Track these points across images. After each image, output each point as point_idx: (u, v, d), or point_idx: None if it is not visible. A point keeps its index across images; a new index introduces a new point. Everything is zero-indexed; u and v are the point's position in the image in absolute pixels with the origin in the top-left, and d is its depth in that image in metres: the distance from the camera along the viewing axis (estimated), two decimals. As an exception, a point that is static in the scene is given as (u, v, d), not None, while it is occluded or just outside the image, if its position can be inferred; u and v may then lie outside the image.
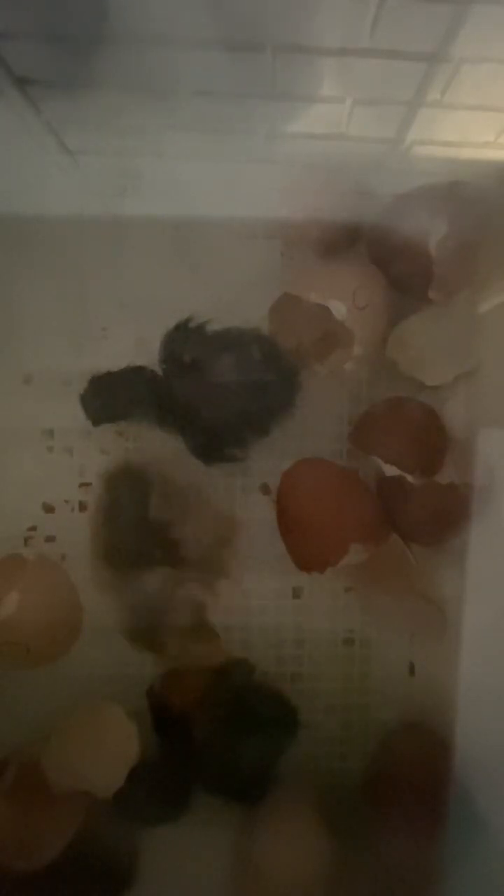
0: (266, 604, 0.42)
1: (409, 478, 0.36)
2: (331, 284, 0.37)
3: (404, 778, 0.39)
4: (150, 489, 0.39)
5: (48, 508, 0.41)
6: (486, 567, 0.39)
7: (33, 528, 0.41)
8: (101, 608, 0.39)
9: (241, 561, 0.40)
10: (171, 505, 0.39)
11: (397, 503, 0.38)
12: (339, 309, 0.36)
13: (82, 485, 0.41)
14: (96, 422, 0.39)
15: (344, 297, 0.36)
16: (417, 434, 0.38)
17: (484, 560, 0.39)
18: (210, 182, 0.39)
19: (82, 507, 0.41)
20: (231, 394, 0.39)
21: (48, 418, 0.41)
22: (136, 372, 0.39)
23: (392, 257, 0.38)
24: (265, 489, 0.41)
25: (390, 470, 0.37)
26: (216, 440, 0.40)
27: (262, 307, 0.39)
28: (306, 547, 0.39)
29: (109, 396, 0.39)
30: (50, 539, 0.41)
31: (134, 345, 0.40)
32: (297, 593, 0.42)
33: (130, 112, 0.33)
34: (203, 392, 0.39)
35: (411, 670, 0.42)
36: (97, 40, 0.28)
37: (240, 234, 0.41)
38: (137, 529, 0.39)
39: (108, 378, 0.39)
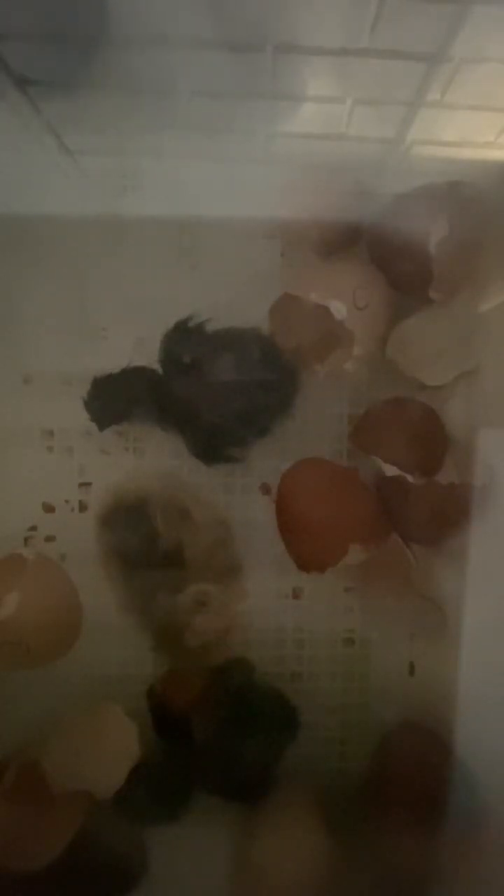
0: (266, 604, 0.42)
1: (409, 478, 0.36)
2: (331, 284, 0.37)
3: (404, 778, 0.39)
4: (152, 520, 0.39)
5: (48, 508, 0.41)
6: (486, 567, 0.39)
7: (33, 528, 0.41)
8: (101, 608, 0.39)
9: (241, 561, 0.40)
10: (174, 525, 0.39)
11: (397, 503, 0.38)
12: (339, 309, 0.36)
13: (82, 485, 0.41)
14: (101, 425, 0.39)
15: (344, 297, 0.36)
16: (417, 434, 0.38)
17: (484, 560, 0.39)
18: (210, 182, 0.39)
19: (82, 507, 0.41)
20: (231, 394, 0.39)
21: (48, 418, 0.41)
22: (137, 372, 0.39)
23: (392, 257, 0.38)
24: (265, 489, 0.41)
25: (390, 470, 0.37)
26: (216, 440, 0.40)
27: (262, 307, 0.39)
28: (306, 547, 0.39)
29: (112, 398, 0.39)
30: (50, 539, 0.41)
31: (134, 345, 0.40)
32: (297, 593, 0.42)
33: (130, 112, 0.33)
34: (203, 392, 0.39)
35: (411, 670, 0.42)
36: (97, 40, 0.28)
37: (240, 234, 0.41)
38: (148, 557, 0.39)
39: (111, 379, 0.39)
